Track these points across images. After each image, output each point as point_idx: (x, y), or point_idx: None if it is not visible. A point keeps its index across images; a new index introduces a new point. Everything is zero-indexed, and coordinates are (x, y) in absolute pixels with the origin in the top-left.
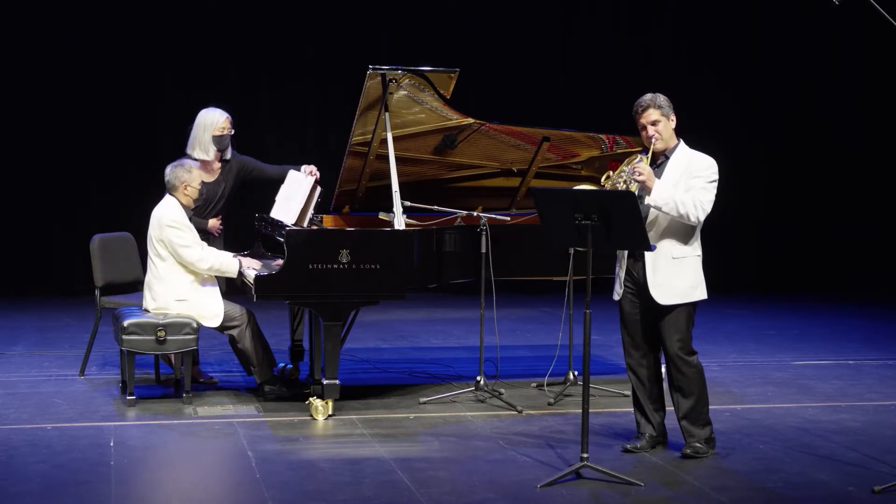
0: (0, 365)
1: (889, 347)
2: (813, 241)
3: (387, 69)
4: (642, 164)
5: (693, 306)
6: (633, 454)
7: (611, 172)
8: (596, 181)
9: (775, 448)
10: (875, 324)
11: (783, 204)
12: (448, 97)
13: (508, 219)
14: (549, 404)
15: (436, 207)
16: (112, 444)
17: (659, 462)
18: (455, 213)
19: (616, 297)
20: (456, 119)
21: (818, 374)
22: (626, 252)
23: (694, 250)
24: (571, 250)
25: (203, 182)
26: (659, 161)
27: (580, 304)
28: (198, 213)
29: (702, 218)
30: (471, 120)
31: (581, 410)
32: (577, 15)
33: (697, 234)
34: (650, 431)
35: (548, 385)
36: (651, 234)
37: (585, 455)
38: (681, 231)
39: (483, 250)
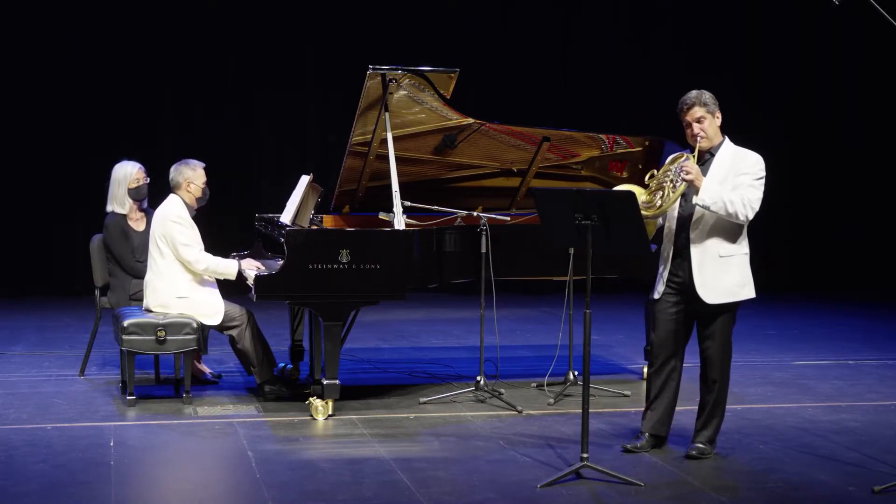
0: (0, 365)
1: (889, 347)
2: (813, 241)
3: (387, 69)
4: (690, 163)
5: (738, 305)
6: (633, 454)
7: (655, 171)
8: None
9: (775, 448)
10: (875, 324)
11: (783, 204)
12: (448, 97)
13: (508, 219)
14: (549, 404)
15: (436, 207)
16: (112, 444)
17: (659, 462)
18: (455, 213)
19: (656, 295)
20: (456, 119)
21: (818, 374)
22: (671, 251)
23: (741, 248)
24: (571, 250)
25: (135, 232)
26: (704, 159)
27: (580, 304)
28: (132, 262)
29: (750, 216)
30: (471, 120)
31: (581, 410)
32: (577, 15)
33: (744, 232)
34: (650, 430)
35: (548, 385)
36: (697, 233)
37: (585, 455)
38: (727, 229)
39: (483, 250)
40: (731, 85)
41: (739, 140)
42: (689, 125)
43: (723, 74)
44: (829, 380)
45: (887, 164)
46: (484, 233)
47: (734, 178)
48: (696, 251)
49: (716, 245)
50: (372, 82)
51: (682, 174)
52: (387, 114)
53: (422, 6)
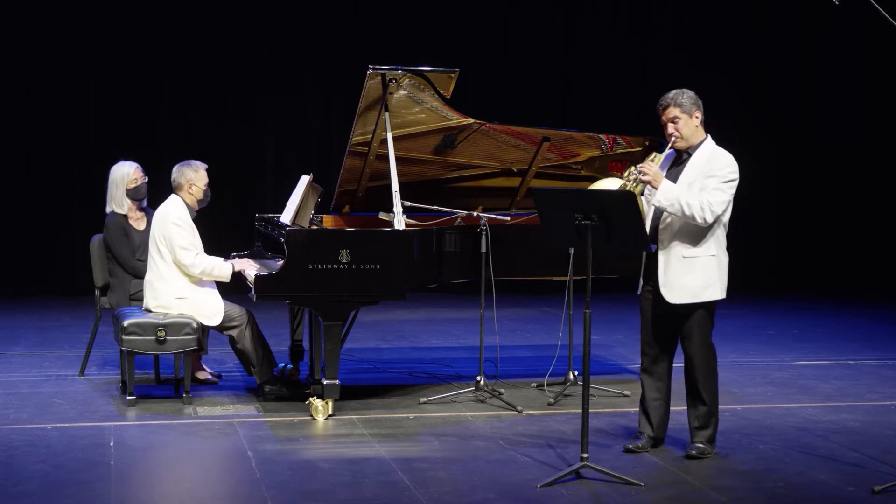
0: (0, 365)
1: (889, 347)
2: (812, 241)
3: (387, 69)
4: (648, 164)
5: (710, 306)
6: (633, 454)
7: (634, 167)
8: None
9: (775, 448)
10: (875, 324)
11: (784, 204)
12: (448, 97)
13: (508, 219)
14: (549, 404)
15: (436, 207)
16: (112, 444)
17: (659, 462)
18: (455, 213)
19: (639, 290)
20: (456, 119)
21: (818, 374)
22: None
23: (707, 250)
24: (571, 250)
25: (136, 231)
26: (682, 159)
27: (580, 304)
28: (133, 261)
29: (709, 219)
30: (471, 120)
31: (581, 410)
32: (577, 15)
33: (716, 233)
34: (648, 432)
35: (548, 385)
36: (665, 233)
37: (585, 455)
38: (693, 231)
39: (483, 250)
40: (731, 85)
41: (740, 140)
42: (665, 125)
43: (723, 75)
44: (829, 380)
45: (886, 165)
46: (484, 233)
47: (703, 180)
48: (662, 251)
49: (680, 246)
50: (372, 82)
51: (640, 175)
52: (387, 114)
53: (422, 6)
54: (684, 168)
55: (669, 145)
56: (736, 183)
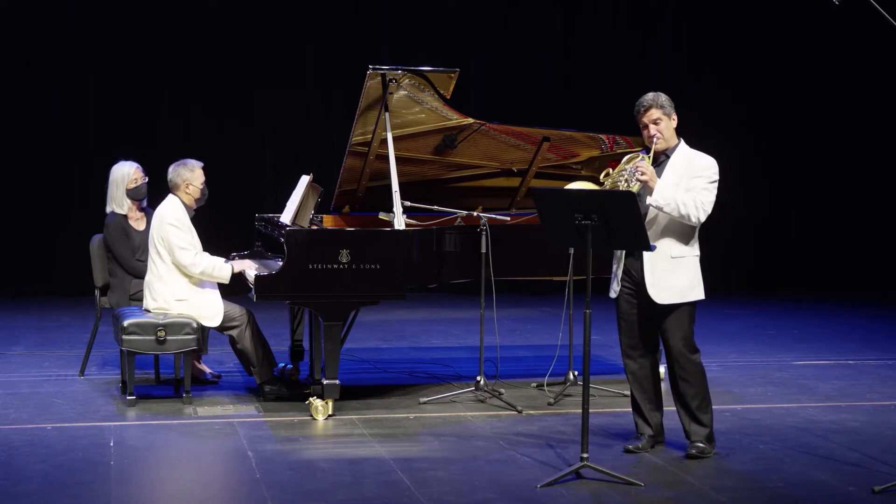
0: (0, 365)
1: (889, 347)
2: (812, 241)
3: (387, 69)
4: (645, 164)
5: (693, 305)
6: (633, 454)
7: (610, 170)
8: (595, 180)
9: (775, 448)
10: (875, 324)
11: (783, 204)
12: (448, 97)
13: (508, 219)
14: (549, 404)
15: (436, 207)
16: (112, 444)
17: (659, 462)
18: (455, 213)
19: (613, 294)
20: (456, 119)
21: (818, 374)
22: (623, 250)
23: (693, 250)
24: (571, 250)
25: (136, 231)
26: (659, 160)
27: (580, 304)
28: (133, 262)
29: (703, 219)
30: (471, 120)
31: (581, 410)
32: (577, 15)
33: (696, 234)
34: (648, 432)
35: (548, 385)
36: (650, 234)
37: (585, 455)
38: (680, 231)
39: (483, 250)
40: (731, 85)
41: (740, 140)
42: (646, 126)
43: (723, 75)
44: (829, 380)
45: (885, 165)
46: (484, 233)
47: (688, 181)
48: (648, 251)
49: (668, 246)
50: (372, 82)
51: (636, 174)
52: (387, 114)
53: (422, 6)
54: (663, 169)
55: (653, 147)
56: (717, 183)
